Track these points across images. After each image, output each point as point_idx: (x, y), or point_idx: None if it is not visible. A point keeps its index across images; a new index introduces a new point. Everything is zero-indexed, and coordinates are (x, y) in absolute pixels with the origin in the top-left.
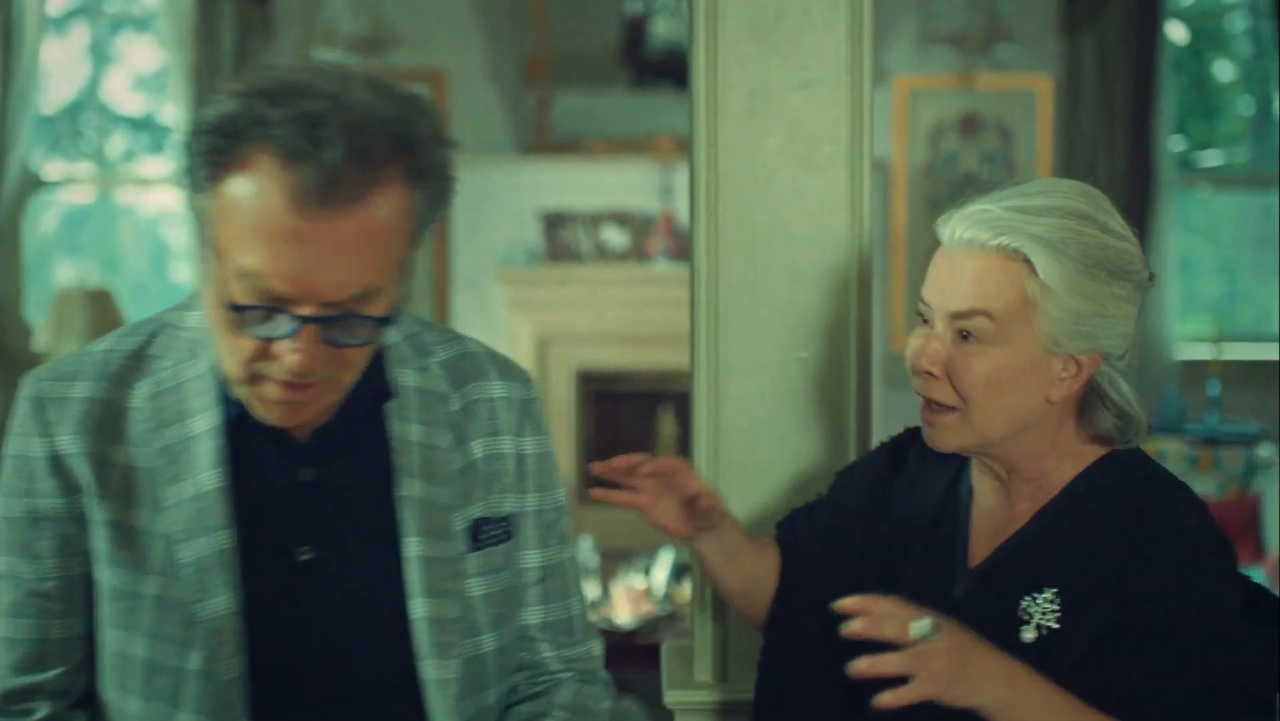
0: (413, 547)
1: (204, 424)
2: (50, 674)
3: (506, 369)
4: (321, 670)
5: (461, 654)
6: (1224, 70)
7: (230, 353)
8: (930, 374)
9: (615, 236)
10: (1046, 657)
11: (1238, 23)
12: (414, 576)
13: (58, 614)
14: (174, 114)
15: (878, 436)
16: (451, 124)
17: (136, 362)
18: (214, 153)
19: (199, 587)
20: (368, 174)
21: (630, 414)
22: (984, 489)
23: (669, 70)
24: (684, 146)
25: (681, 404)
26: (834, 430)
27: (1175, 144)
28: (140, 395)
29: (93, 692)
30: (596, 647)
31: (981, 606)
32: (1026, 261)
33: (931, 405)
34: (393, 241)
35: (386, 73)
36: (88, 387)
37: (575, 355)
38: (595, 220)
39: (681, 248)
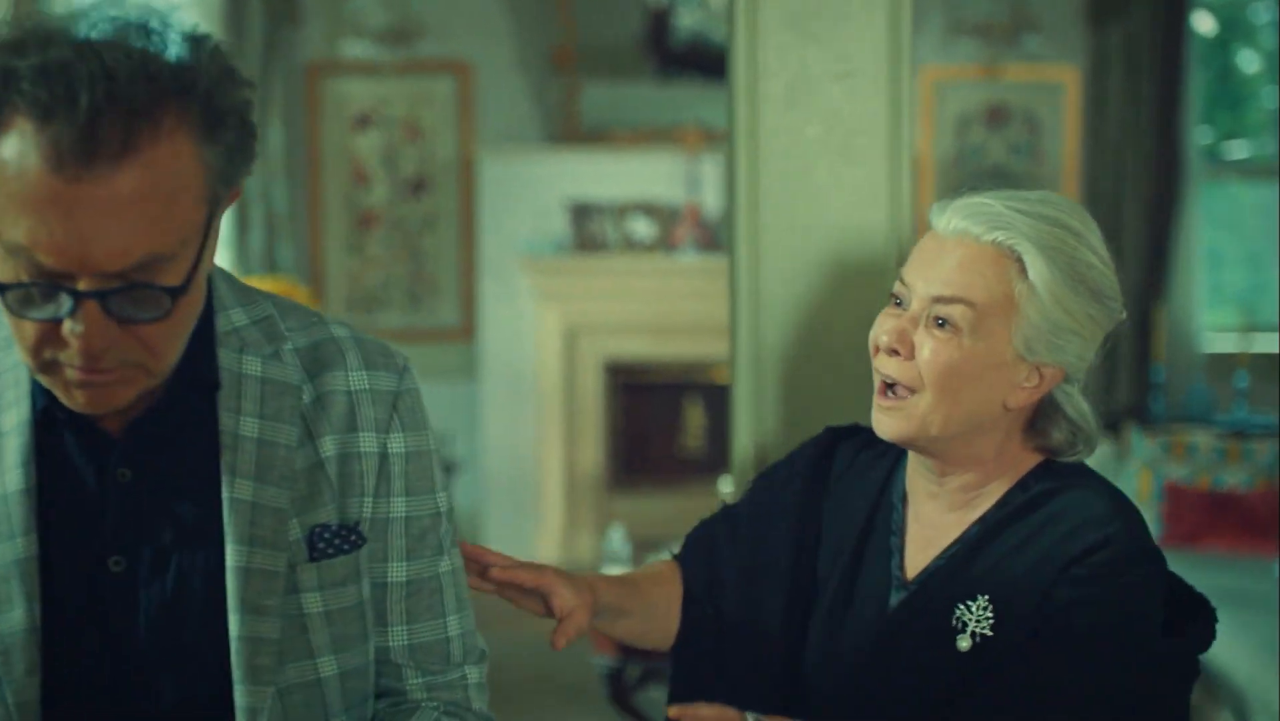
0: (233, 557)
1: (13, 419)
2: None
3: (374, 356)
4: (127, 694)
5: (284, 680)
6: (1250, 61)
7: (19, 339)
8: (895, 351)
9: (642, 227)
10: (981, 665)
11: (1264, 14)
12: (232, 589)
13: None
14: None
15: None
16: (479, 115)
17: None
18: None
19: None
20: (135, 125)
21: (657, 405)
22: (918, 495)
23: (694, 61)
24: (711, 137)
25: (709, 395)
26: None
27: (1201, 135)
28: None
29: None
30: (474, 674)
31: (918, 617)
32: (1018, 261)
33: (886, 390)
34: (178, 200)
35: (414, 64)
36: None
37: (602, 346)
38: (622, 211)
39: (709, 239)
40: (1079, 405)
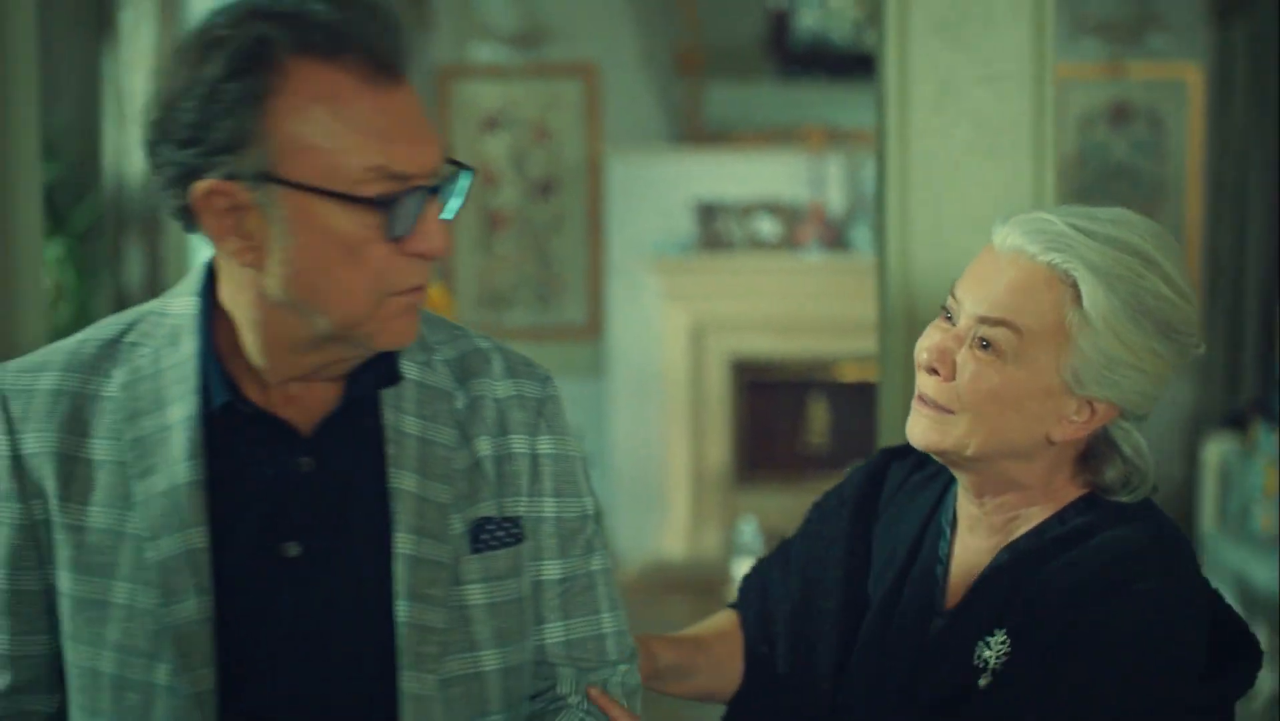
0: (401, 544)
1: (180, 412)
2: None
3: (517, 367)
4: (300, 680)
5: (447, 671)
6: None
7: (353, 285)
8: (935, 371)
9: (767, 226)
10: (993, 703)
11: None
12: (401, 576)
13: (2, 629)
14: None
15: None
16: (605, 116)
17: (111, 350)
18: (246, 96)
19: (165, 591)
20: (400, 46)
21: (782, 401)
22: (965, 520)
23: (815, 61)
24: (834, 137)
25: (833, 392)
26: None
27: None
28: (115, 384)
29: None
30: (632, 675)
31: (949, 649)
32: (1073, 286)
33: (924, 399)
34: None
35: (542, 67)
36: (55, 379)
37: (728, 344)
38: (747, 210)
39: (833, 237)
40: (1136, 442)
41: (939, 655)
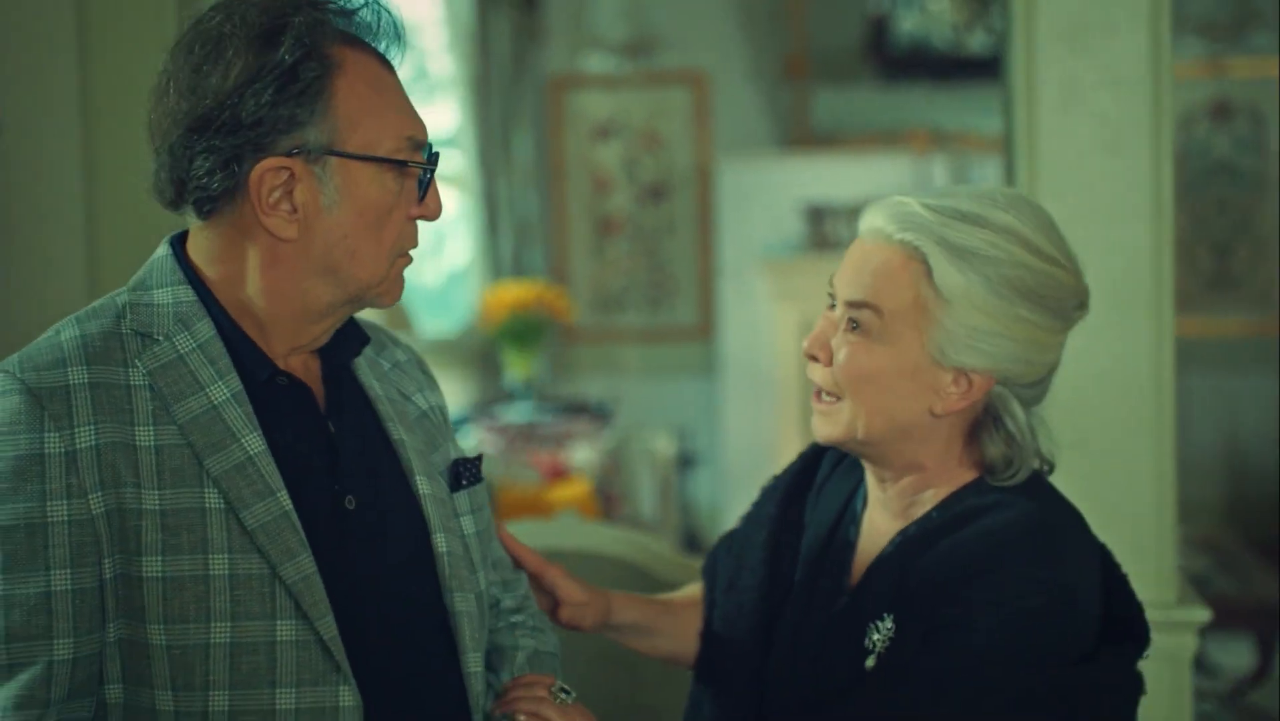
0: (422, 486)
1: (224, 391)
2: (55, 705)
3: (394, 336)
4: (377, 615)
5: (472, 587)
6: None
7: (379, 249)
8: (814, 357)
9: None
10: (874, 683)
11: None
12: (431, 512)
13: (66, 633)
14: (452, 121)
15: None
16: (714, 123)
17: (118, 342)
18: (318, 77)
19: (275, 552)
20: (399, 33)
21: None
22: (874, 502)
23: (914, 65)
24: (939, 139)
25: None
26: (1140, 392)
27: None
28: (140, 372)
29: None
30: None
31: (846, 628)
32: (925, 263)
33: (819, 394)
34: None
35: (652, 76)
36: (84, 372)
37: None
38: (854, 211)
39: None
40: (1015, 414)
41: (838, 635)
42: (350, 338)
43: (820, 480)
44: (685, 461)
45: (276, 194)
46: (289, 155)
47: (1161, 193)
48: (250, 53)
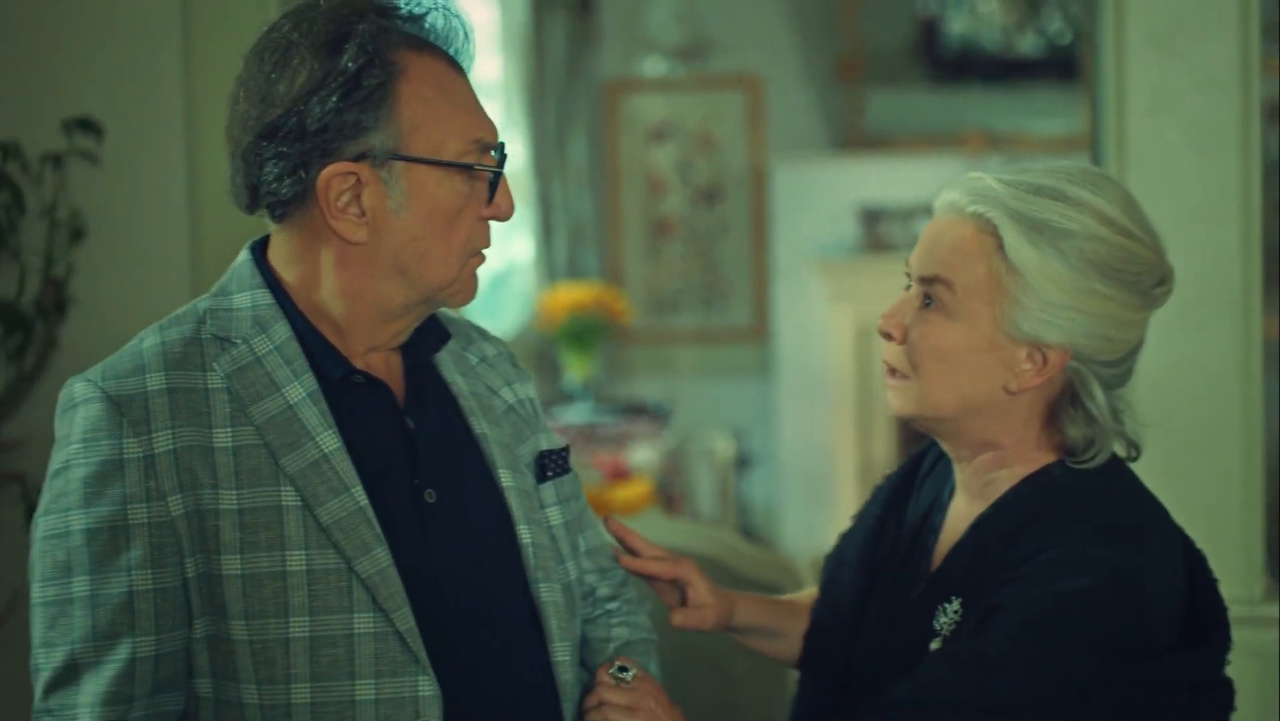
0: (505, 479)
1: (299, 391)
2: (141, 700)
3: (484, 331)
4: (459, 606)
5: (559, 578)
6: None
7: (449, 250)
8: (889, 335)
9: None
10: (934, 657)
11: None
12: (515, 505)
13: (148, 631)
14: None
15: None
16: (768, 125)
17: (198, 347)
18: (381, 84)
19: (350, 547)
20: (468, 38)
21: None
22: (958, 488)
23: (966, 67)
24: (993, 140)
25: None
26: (1229, 389)
27: None
28: (218, 376)
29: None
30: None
31: (920, 613)
32: (997, 236)
33: (891, 371)
34: None
35: (706, 79)
36: (161, 378)
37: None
38: (909, 213)
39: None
40: (1094, 393)
41: (911, 620)
42: (430, 334)
43: (920, 477)
44: (741, 462)
45: (345, 198)
46: (355, 160)
47: (1250, 194)
48: (315, 60)
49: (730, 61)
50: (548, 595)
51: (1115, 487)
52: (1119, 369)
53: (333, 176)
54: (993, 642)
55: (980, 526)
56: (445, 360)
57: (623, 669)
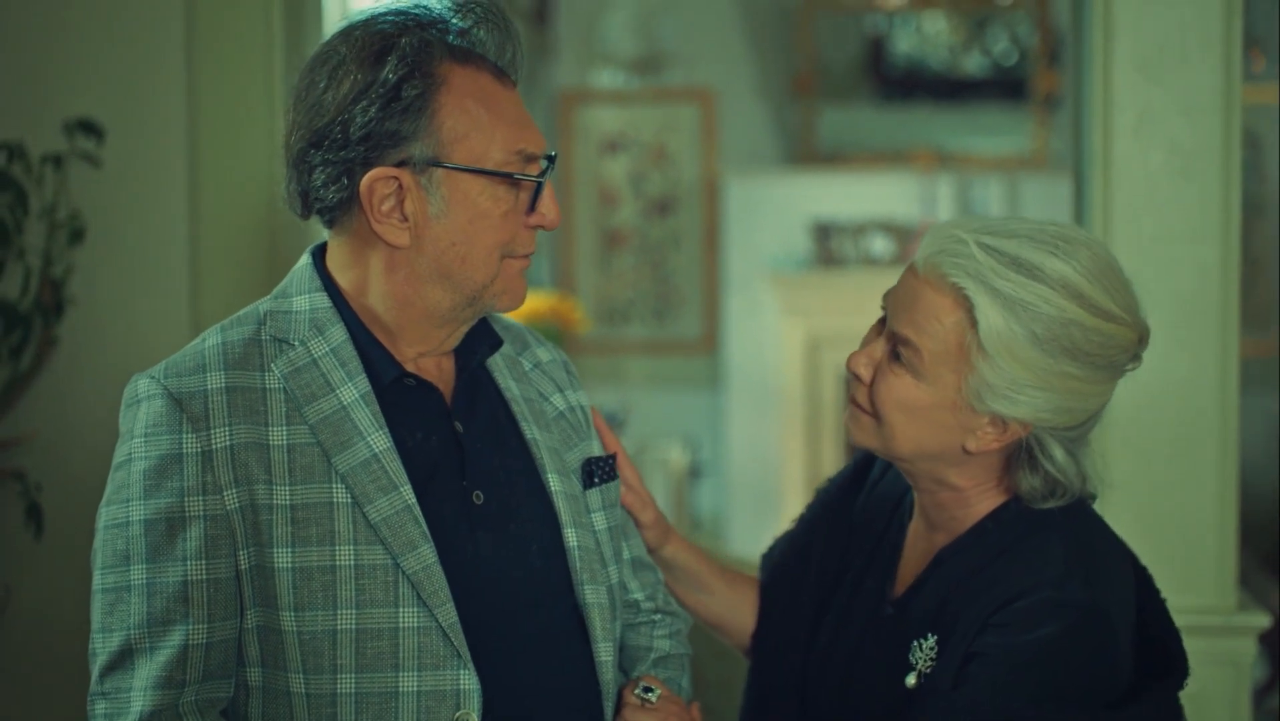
0: (554, 483)
1: (353, 392)
2: (192, 686)
3: (540, 337)
4: (505, 605)
5: (604, 580)
6: None
7: (489, 254)
8: (858, 377)
9: (880, 244)
10: (915, 701)
11: None
12: (562, 509)
13: (201, 619)
14: None
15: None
16: (721, 139)
17: (257, 348)
18: (420, 95)
19: (397, 544)
20: (516, 52)
21: None
22: (918, 510)
23: (912, 86)
24: (943, 159)
25: None
26: (1207, 404)
27: None
28: (275, 376)
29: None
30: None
31: (889, 638)
32: (972, 312)
33: (854, 399)
34: None
35: (661, 92)
36: (221, 377)
37: (842, 357)
38: (861, 229)
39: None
40: (1054, 455)
41: (879, 643)
42: (483, 340)
43: (872, 481)
44: (691, 473)
45: (388, 203)
46: (396, 167)
47: (1230, 215)
48: (360, 71)
49: (685, 75)
50: (593, 597)
51: (1072, 518)
52: (1078, 430)
53: (375, 181)
54: (982, 692)
55: (943, 561)
56: (499, 365)
57: (648, 689)
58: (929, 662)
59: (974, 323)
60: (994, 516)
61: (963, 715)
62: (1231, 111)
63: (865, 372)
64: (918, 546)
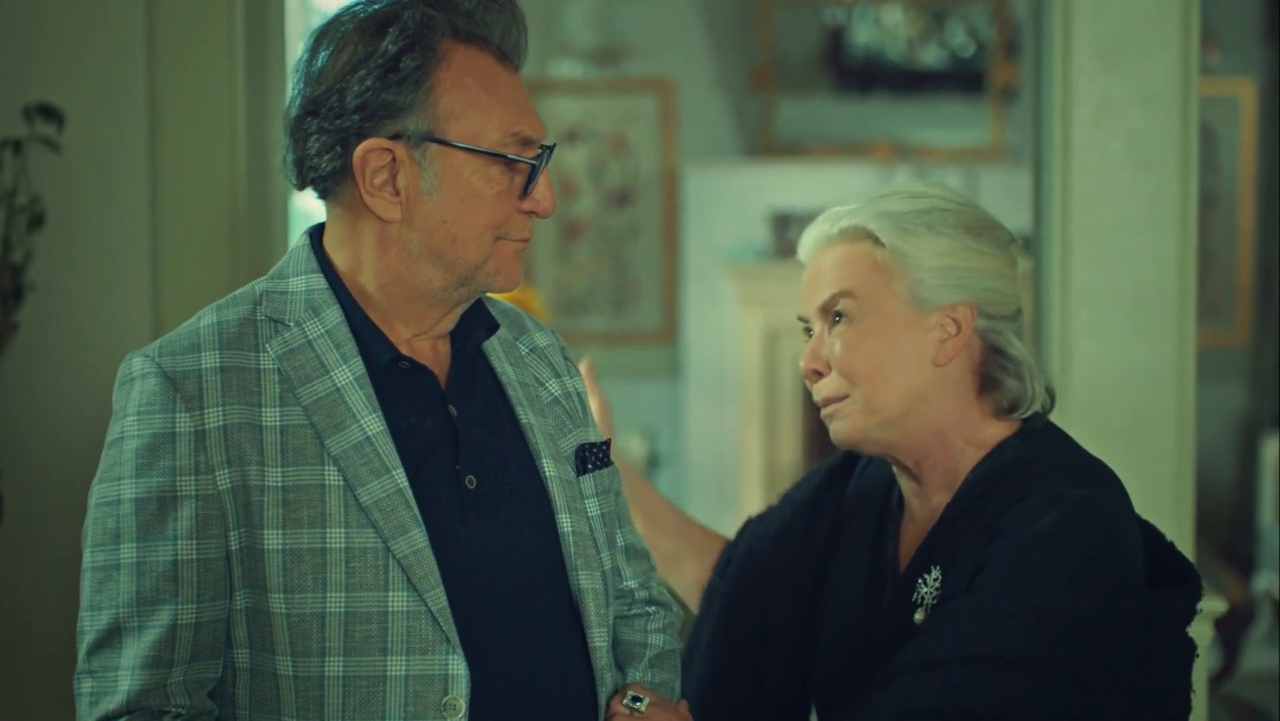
0: (548, 469)
1: (347, 375)
2: (180, 666)
3: (538, 322)
4: (497, 590)
5: (598, 566)
6: None
7: (482, 233)
8: (817, 372)
9: None
10: (927, 623)
11: None
12: (556, 494)
13: (190, 599)
14: None
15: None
16: (681, 130)
17: (252, 328)
18: (418, 67)
19: (388, 528)
20: (520, 36)
21: None
22: (908, 494)
23: (870, 78)
24: (901, 151)
25: None
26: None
27: None
28: (270, 357)
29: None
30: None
31: (902, 610)
32: (869, 234)
33: (826, 403)
34: None
35: (619, 82)
36: (215, 357)
37: (801, 347)
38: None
39: None
40: (1015, 345)
41: (897, 616)
42: (478, 323)
43: (861, 466)
44: (650, 463)
45: (381, 176)
46: (391, 139)
47: (1188, 205)
48: (360, 42)
49: (644, 65)
50: (587, 582)
51: (1073, 452)
52: (1015, 324)
53: (368, 152)
54: (988, 594)
55: (951, 508)
56: (496, 349)
57: (636, 698)
58: (934, 593)
59: (877, 241)
60: (990, 457)
61: (971, 612)
62: (1190, 101)
63: (820, 364)
64: (915, 529)
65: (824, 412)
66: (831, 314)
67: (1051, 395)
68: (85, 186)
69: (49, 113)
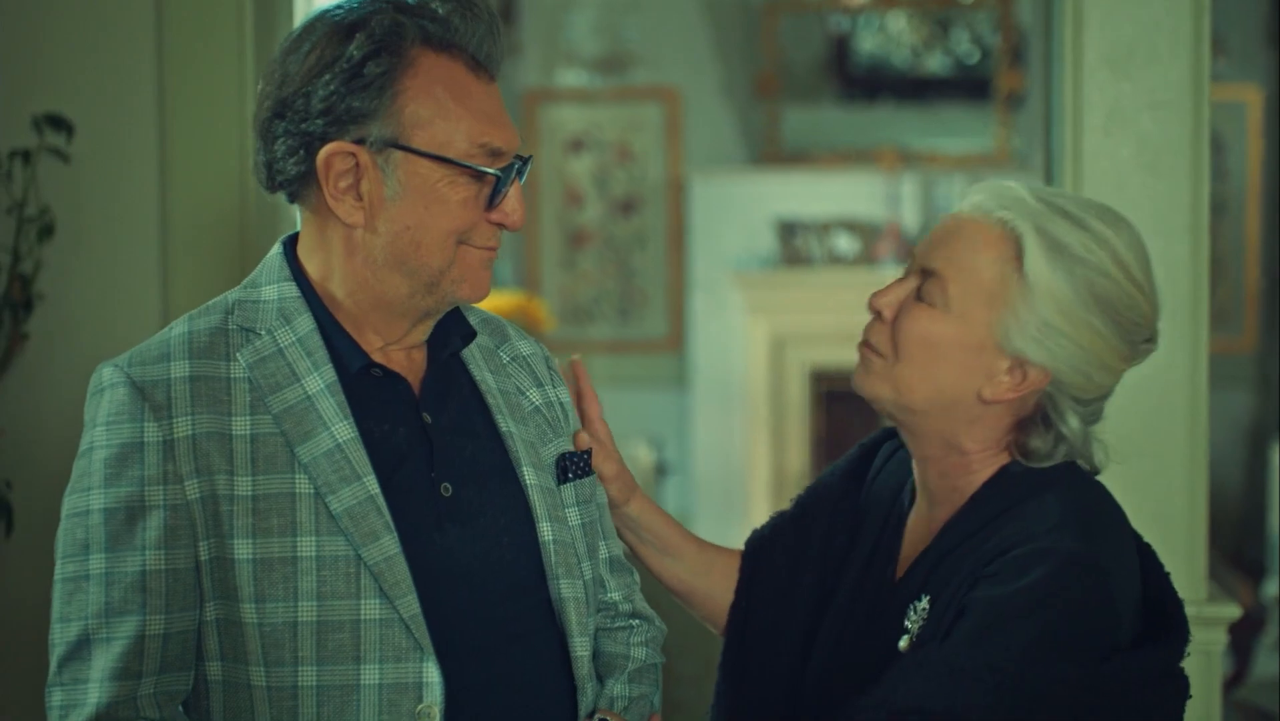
0: (529, 476)
1: (318, 382)
2: (150, 677)
3: (521, 330)
4: (472, 598)
5: (579, 575)
6: None
7: (445, 241)
8: (879, 312)
9: (845, 242)
10: (901, 659)
11: None
12: (536, 502)
13: (159, 609)
14: None
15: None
16: (686, 138)
17: (223, 337)
18: (384, 74)
19: (359, 535)
20: (495, 46)
21: (859, 411)
22: (919, 494)
23: (876, 85)
24: (907, 158)
25: None
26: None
27: None
28: (241, 366)
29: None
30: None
31: (891, 608)
32: (1018, 245)
33: (868, 346)
34: None
35: (625, 91)
36: (185, 366)
37: (808, 355)
38: (825, 227)
39: (909, 253)
40: (1070, 422)
41: (881, 617)
42: (453, 331)
43: (876, 468)
44: (657, 472)
45: (345, 181)
46: (355, 144)
47: (1199, 211)
48: (327, 46)
49: (649, 74)
50: (569, 591)
51: (1073, 480)
52: (1088, 409)
53: (332, 156)
54: (962, 649)
55: (948, 530)
56: (475, 357)
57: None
58: (919, 622)
59: (1019, 260)
60: (992, 483)
61: (938, 666)
62: (1201, 108)
63: (889, 310)
64: (919, 528)
65: (859, 354)
66: (925, 285)
67: (1095, 470)
68: (94, 197)
69: (58, 123)
